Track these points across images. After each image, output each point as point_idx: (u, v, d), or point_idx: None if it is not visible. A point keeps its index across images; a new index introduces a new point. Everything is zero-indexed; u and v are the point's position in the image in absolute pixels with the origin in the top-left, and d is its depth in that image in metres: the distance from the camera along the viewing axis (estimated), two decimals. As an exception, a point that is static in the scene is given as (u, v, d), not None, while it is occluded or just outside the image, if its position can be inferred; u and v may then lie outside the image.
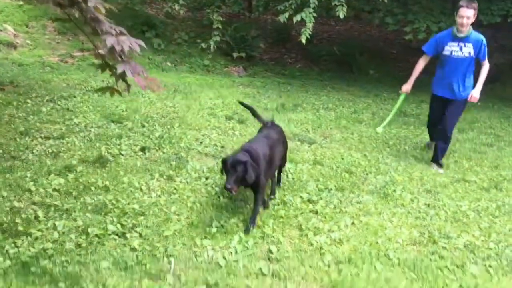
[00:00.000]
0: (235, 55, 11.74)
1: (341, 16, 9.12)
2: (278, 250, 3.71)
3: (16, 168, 4.66)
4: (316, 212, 4.44)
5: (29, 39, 10.16)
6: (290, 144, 5.37)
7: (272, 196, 4.61)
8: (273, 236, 3.92)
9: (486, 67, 5.75)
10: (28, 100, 6.73)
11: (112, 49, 2.98)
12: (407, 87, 6.16)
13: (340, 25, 15.67)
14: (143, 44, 3.14)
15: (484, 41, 5.66)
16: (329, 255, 3.71)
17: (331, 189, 4.99)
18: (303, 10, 9.17)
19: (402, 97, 6.28)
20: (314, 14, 9.15)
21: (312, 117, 7.99)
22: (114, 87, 3.54)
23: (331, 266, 3.58)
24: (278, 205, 4.51)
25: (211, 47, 11.00)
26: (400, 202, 4.89)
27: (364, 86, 11.16)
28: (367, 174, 5.62)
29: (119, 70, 3.04)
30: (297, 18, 9.11)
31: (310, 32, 9.17)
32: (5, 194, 4.11)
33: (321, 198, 4.73)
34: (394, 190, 5.14)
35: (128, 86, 3.49)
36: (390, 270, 3.62)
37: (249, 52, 11.97)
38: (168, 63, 11.23)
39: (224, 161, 3.89)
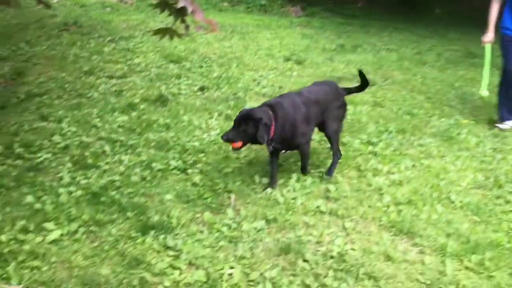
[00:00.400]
0: (292, -6, 11.41)
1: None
2: (336, 189, 3.70)
3: (83, 106, 4.87)
4: (376, 154, 4.37)
5: (89, -21, 10.30)
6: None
7: (326, 176, 3.91)
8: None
9: None
10: (91, 40, 6.91)
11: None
12: (489, 36, 5.37)
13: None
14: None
15: None
16: (388, 196, 3.66)
17: (391, 131, 4.87)
18: None
19: (488, 48, 5.50)
20: None
21: (373, 59, 7.72)
22: (172, 28, 3.51)
23: (390, 206, 3.54)
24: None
25: (269, -14, 10.74)
26: (464, 146, 4.71)
27: (429, 26, 10.57)
28: (430, 116, 5.42)
29: (180, 5, 3.01)
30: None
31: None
32: (74, 129, 4.32)
33: (380, 140, 4.63)
34: (459, 133, 4.94)
35: (187, 26, 3.46)
36: (451, 212, 3.53)
37: (307, -9, 11.58)
38: (225, 4, 11.10)
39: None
